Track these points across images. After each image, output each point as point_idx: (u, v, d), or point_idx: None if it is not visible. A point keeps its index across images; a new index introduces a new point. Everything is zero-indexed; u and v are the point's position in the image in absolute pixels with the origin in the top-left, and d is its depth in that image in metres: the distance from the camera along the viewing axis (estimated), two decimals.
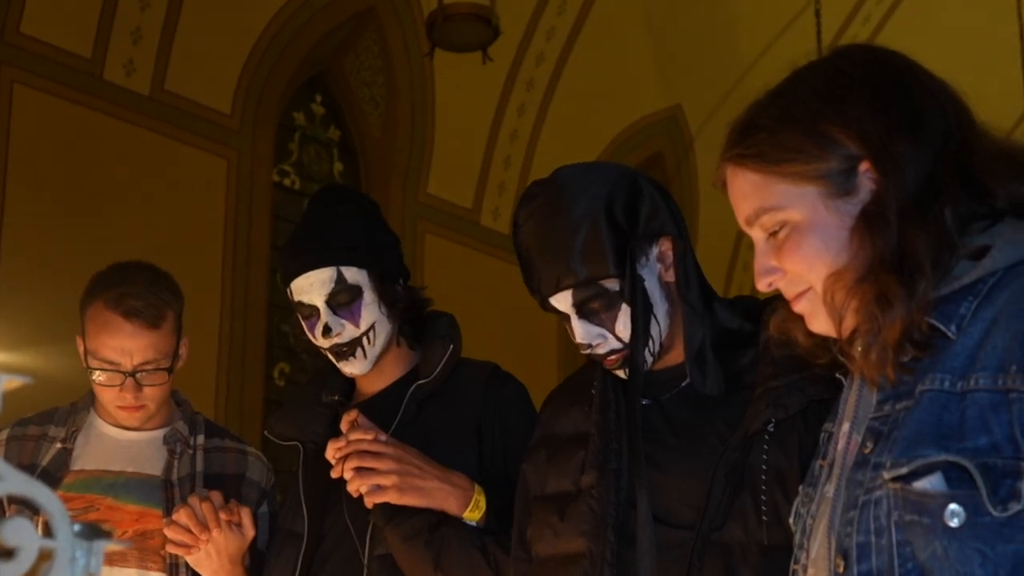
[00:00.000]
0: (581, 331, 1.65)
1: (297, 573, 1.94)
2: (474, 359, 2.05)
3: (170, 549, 2.00)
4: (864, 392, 1.19)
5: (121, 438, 2.20)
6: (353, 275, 1.94)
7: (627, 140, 7.70)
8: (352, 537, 1.92)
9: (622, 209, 1.64)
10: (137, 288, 2.09)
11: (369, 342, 1.96)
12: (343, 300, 1.94)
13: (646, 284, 1.64)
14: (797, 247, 1.17)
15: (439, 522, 1.83)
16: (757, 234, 1.21)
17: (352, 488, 1.82)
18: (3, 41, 5.37)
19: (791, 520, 1.29)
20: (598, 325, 1.65)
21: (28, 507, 1.82)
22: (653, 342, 1.65)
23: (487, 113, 7.13)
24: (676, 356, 1.69)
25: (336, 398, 2.06)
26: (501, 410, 1.97)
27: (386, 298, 1.97)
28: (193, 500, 1.96)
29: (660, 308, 1.66)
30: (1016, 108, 5.97)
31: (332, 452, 1.84)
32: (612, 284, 1.64)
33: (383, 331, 1.98)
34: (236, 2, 6.08)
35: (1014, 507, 1.03)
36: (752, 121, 1.19)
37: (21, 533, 0.68)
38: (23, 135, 5.35)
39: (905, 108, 1.15)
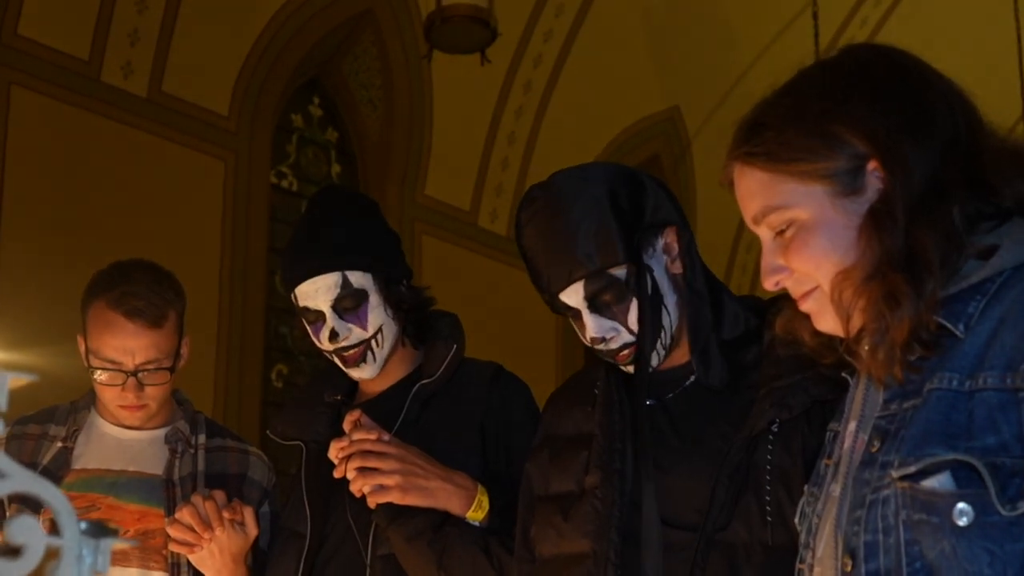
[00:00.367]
0: (594, 325, 1.64)
1: (300, 573, 1.94)
2: (477, 359, 2.05)
3: (173, 548, 2.00)
4: (871, 391, 1.18)
5: (122, 437, 2.19)
6: (358, 279, 1.94)
7: (625, 142, 7.70)
8: (355, 537, 1.92)
9: (626, 199, 1.65)
10: (139, 287, 2.09)
11: (378, 345, 1.96)
12: (349, 305, 1.94)
13: (655, 274, 1.64)
14: (804, 246, 1.16)
15: (442, 522, 1.82)
16: (764, 233, 1.21)
17: (355, 488, 1.82)
18: (1, 43, 5.37)
19: (796, 520, 1.29)
20: (610, 318, 1.64)
21: (29, 506, 1.82)
22: (665, 333, 1.65)
23: (485, 115, 7.12)
24: (681, 355, 1.68)
25: (339, 397, 2.06)
26: (504, 410, 1.96)
27: (391, 300, 1.97)
28: (196, 499, 1.96)
29: (669, 299, 1.66)
30: (1014, 109, 5.97)
31: (335, 452, 1.83)
32: (621, 273, 1.63)
33: (390, 333, 1.98)
34: (233, 4, 6.08)
35: (1022, 506, 1.03)
36: (759, 119, 1.19)
37: (28, 531, 0.67)
38: (21, 137, 5.35)
39: (913, 107, 1.15)
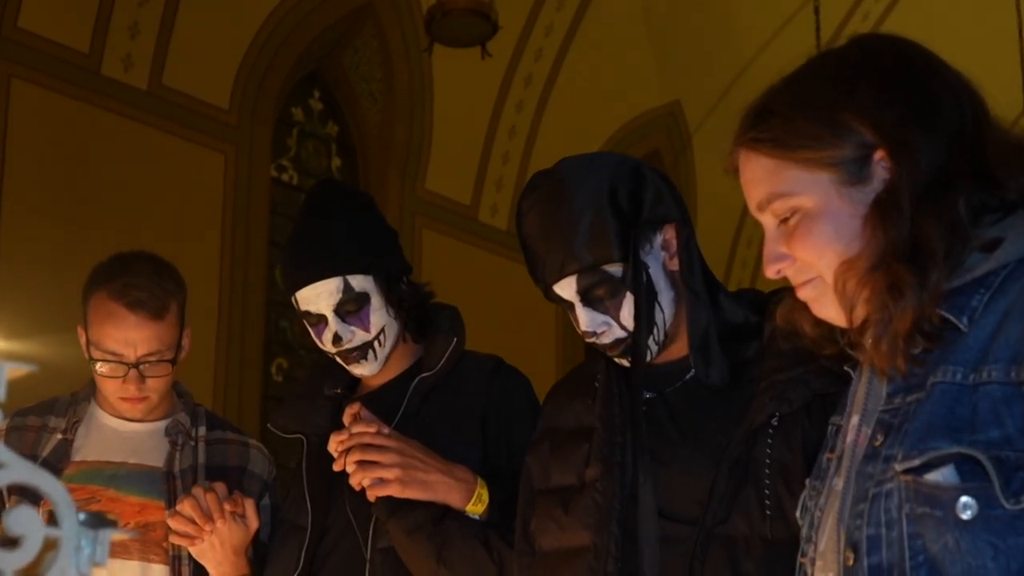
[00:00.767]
0: (586, 319, 1.64)
1: (300, 566, 1.93)
2: (478, 352, 2.04)
3: (174, 540, 2.00)
4: (874, 385, 1.18)
5: (122, 429, 2.19)
6: (359, 282, 1.93)
7: (625, 136, 7.70)
8: (355, 530, 1.91)
9: (626, 195, 1.64)
10: (141, 279, 2.08)
11: (380, 345, 1.96)
12: (351, 308, 1.93)
13: (650, 271, 1.64)
14: (808, 234, 1.16)
15: (442, 515, 1.82)
16: (768, 220, 1.20)
17: (355, 481, 1.82)
18: (1, 36, 5.36)
19: (797, 513, 1.29)
20: (602, 312, 1.64)
21: (28, 497, 1.82)
22: (658, 330, 1.65)
23: (485, 109, 7.12)
24: (680, 349, 1.68)
25: (339, 391, 2.06)
26: (505, 403, 1.96)
27: (392, 300, 1.97)
28: (197, 491, 1.96)
29: (665, 296, 1.65)
30: (1015, 103, 5.97)
31: (334, 445, 1.83)
32: (616, 270, 1.63)
33: (392, 332, 1.97)
34: None
35: None
36: (767, 106, 1.19)
37: (26, 522, 0.67)
38: (21, 129, 5.35)
39: (920, 98, 1.14)
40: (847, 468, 1.16)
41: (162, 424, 2.20)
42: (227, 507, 1.94)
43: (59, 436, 2.15)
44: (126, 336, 2.08)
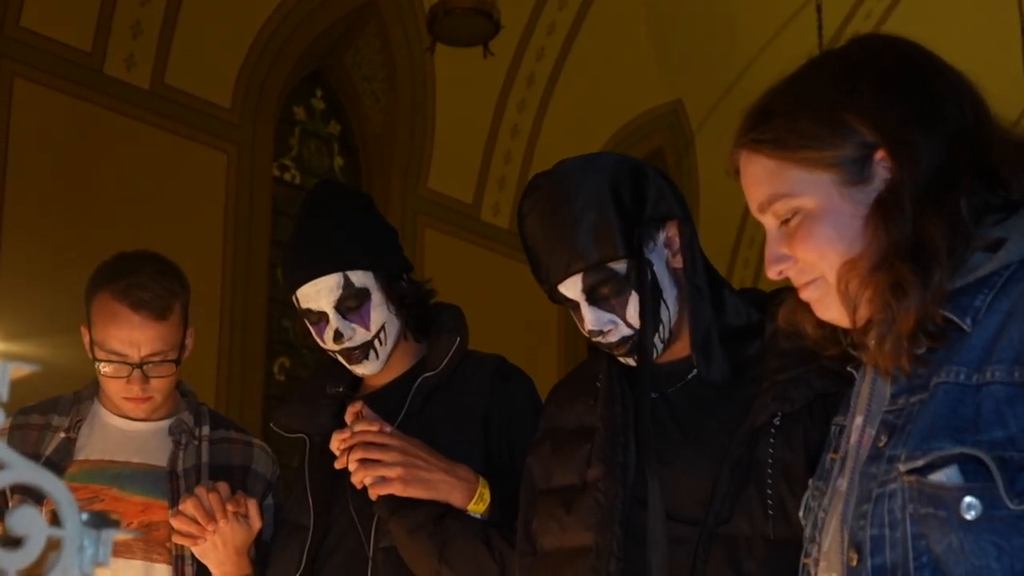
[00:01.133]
0: (591, 318, 1.64)
1: (302, 565, 1.93)
2: (480, 352, 2.04)
3: (176, 540, 2.00)
4: (877, 385, 1.18)
5: (126, 428, 2.18)
6: (360, 279, 1.94)
7: (628, 135, 7.70)
8: (357, 530, 1.91)
9: (629, 192, 1.64)
10: (144, 279, 2.08)
11: (381, 343, 1.96)
12: (352, 305, 1.93)
13: (654, 268, 1.63)
14: (809, 234, 1.16)
15: (443, 514, 1.82)
16: (769, 221, 1.20)
17: (356, 479, 1.82)
18: (3, 35, 5.37)
19: (801, 514, 1.29)
20: (608, 311, 1.64)
21: (31, 496, 1.82)
22: (663, 327, 1.65)
23: (488, 108, 7.12)
24: (682, 348, 1.68)
25: (341, 389, 2.06)
26: (507, 403, 1.96)
27: (393, 297, 1.97)
28: (200, 491, 1.96)
29: (669, 293, 1.65)
30: (1017, 102, 5.96)
31: (337, 443, 1.83)
32: (621, 267, 1.63)
33: (392, 330, 1.97)
34: None
35: None
36: (768, 107, 1.18)
37: (29, 522, 0.67)
38: (24, 129, 5.35)
39: (921, 97, 1.14)
40: (851, 469, 1.16)
41: (166, 423, 2.20)
42: (230, 507, 1.94)
43: (62, 435, 2.15)
44: (130, 336, 2.07)
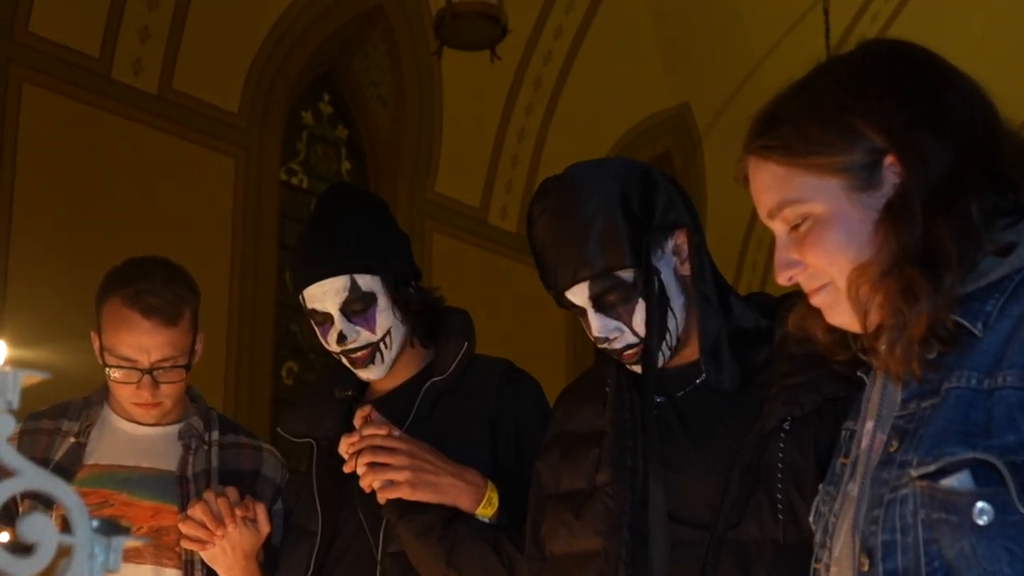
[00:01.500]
0: (598, 325, 1.64)
1: (311, 570, 1.93)
2: (488, 356, 2.04)
3: (185, 545, 2.00)
4: (888, 390, 1.17)
5: (135, 433, 2.19)
6: (367, 282, 1.93)
7: (635, 139, 7.69)
8: (366, 534, 1.91)
9: (638, 200, 1.64)
10: (154, 284, 2.08)
11: (386, 346, 1.96)
12: (357, 308, 1.93)
13: (662, 276, 1.63)
14: (819, 240, 1.16)
15: (452, 518, 1.82)
16: (779, 227, 1.20)
17: (365, 483, 1.82)
18: (12, 40, 5.38)
19: (811, 519, 1.28)
20: (615, 319, 1.64)
21: (42, 502, 1.82)
22: (670, 335, 1.64)
23: (495, 112, 7.12)
24: (691, 353, 1.68)
25: (349, 393, 2.05)
26: (515, 407, 1.96)
27: (399, 302, 1.96)
28: (208, 495, 1.96)
29: (676, 301, 1.65)
30: None
31: (345, 447, 1.83)
32: (628, 276, 1.63)
33: (398, 335, 1.97)
34: (244, 1, 6.08)
35: None
36: (776, 113, 1.18)
37: (40, 529, 0.67)
38: (32, 134, 5.36)
39: (930, 102, 1.14)
40: (862, 474, 1.16)
41: (175, 428, 2.20)
42: (238, 511, 1.95)
43: (72, 439, 2.15)
44: (140, 342, 2.08)
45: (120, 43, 5.70)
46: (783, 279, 1.21)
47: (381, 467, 1.81)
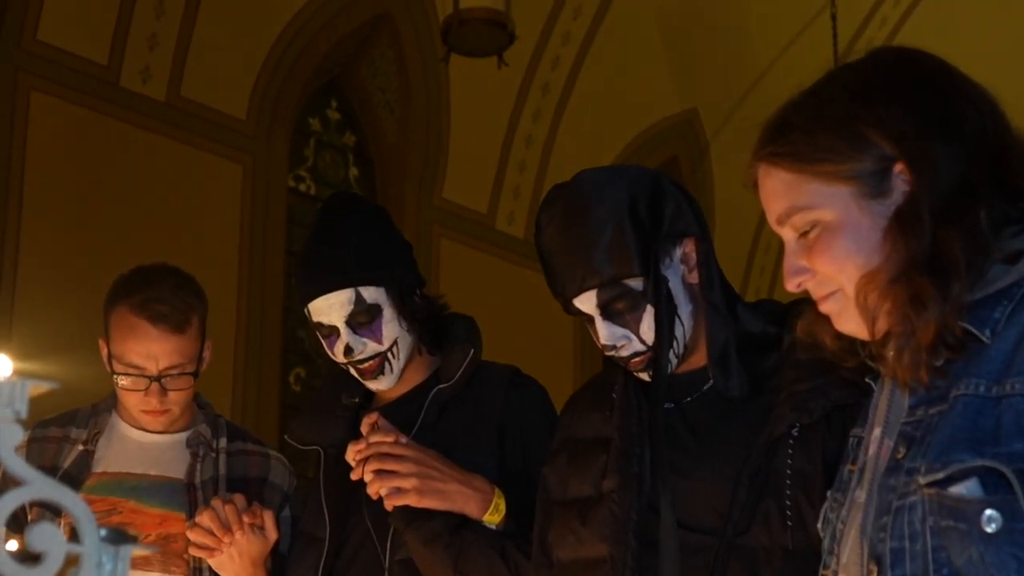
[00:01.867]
0: (605, 332, 1.64)
1: None
2: (494, 362, 2.04)
3: (192, 552, 2.00)
4: (896, 397, 1.17)
5: (144, 441, 2.19)
6: (372, 294, 1.93)
7: (643, 144, 7.68)
8: (373, 541, 1.91)
9: (646, 209, 1.64)
10: (163, 292, 2.09)
11: (394, 356, 1.96)
12: (363, 320, 1.93)
13: (670, 285, 1.63)
14: (828, 247, 1.16)
15: (459, 525, 1.82)
16: (788, 234, 1.20)
17: (372, 490, 1.82)
18: (20, 48, 5.40)
19: (819, 526, 1.28)
20: (622, 326, 1.64)
21: (50, 510, 1.82)
22: (677, 343, 1.64)
23: (502, 118, 7.12)
24: (699, 359, 1.67)
25: (356, 400, 2.05)
26: (522, 413, 1.96)
27: (405, 312, 1.96)
28: (216, 502, 1.96)
29: (684, 309, 1.65)
30: None
31: (352, 454, 1.83)
32: (636, 284, 1.62)
33: (405, 344, 1.97)
34: (251, 9, 6.10)
35: None
36: (785, 120, 1.19)
37: (48, 538, 0.67)
38: (40, 142, 5.37)
39: (939, 109, 1.14)
40: (870, 481, 1.16)
41: (183, 435, 2.20)
42: (246, 519, 1.95)
43: (80, 447, 2.15)
44: (148, 350, 2.08)
45: (128, 51, 5.71)
46: (792, 286, 1.21)
47: (388, 474, 1.81)
